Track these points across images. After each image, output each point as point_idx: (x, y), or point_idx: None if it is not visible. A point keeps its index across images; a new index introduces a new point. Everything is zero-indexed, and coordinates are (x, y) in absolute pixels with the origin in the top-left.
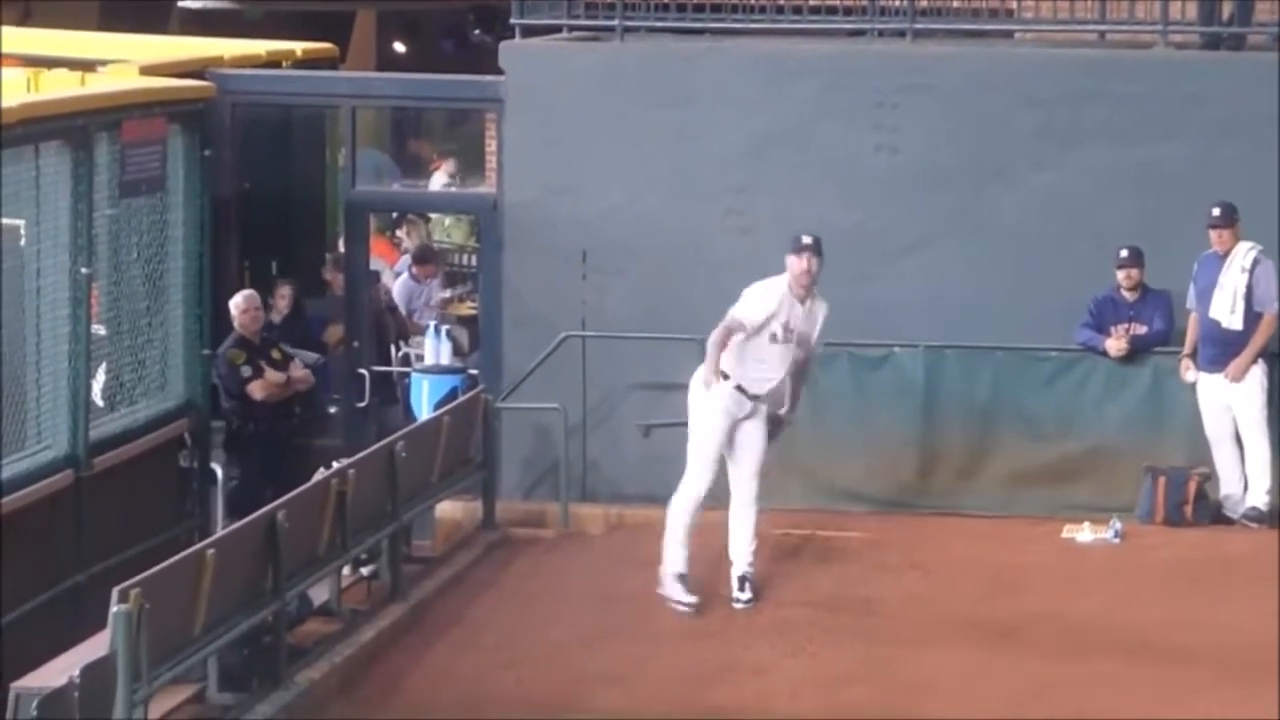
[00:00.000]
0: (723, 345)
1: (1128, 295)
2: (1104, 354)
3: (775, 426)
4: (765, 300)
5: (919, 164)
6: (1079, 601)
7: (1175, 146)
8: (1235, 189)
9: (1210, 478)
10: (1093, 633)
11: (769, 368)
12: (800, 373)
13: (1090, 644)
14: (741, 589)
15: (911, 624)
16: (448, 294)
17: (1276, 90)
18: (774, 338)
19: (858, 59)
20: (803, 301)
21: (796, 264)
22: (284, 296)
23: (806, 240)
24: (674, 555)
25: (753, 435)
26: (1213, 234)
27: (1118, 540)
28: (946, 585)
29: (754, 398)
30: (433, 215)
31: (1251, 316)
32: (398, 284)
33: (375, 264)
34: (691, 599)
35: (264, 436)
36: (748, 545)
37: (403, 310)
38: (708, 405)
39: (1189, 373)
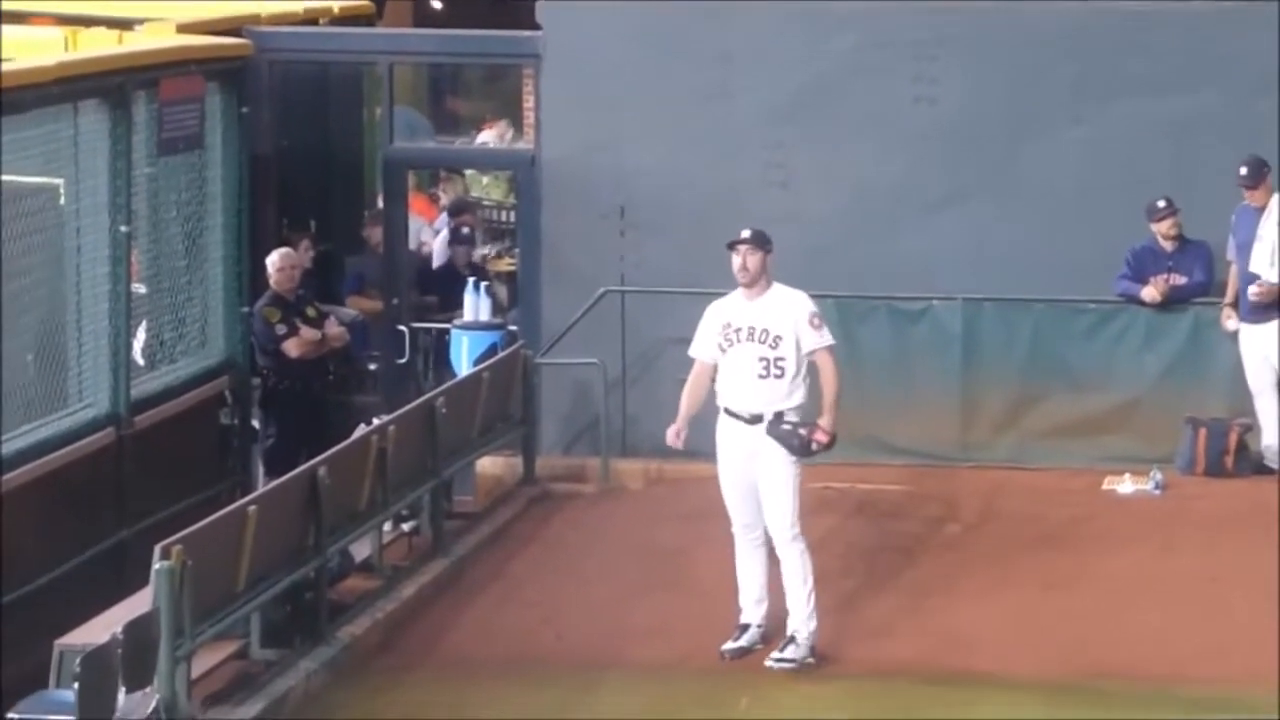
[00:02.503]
0: (691, 392)
1: (1166, 246)
2: (1142, 303)
3: (804, 445)
4: (706, 318)
5: (957, 117)
6: (1121, 553)
7: (1212, 98)
8: (1272, 140)
9: (1251, 429)
10: (1135, 584)
11: (741, 377)
12: (829, 384)
13: (1133, 596)
14: (782, 648)
15: (953, 577)
16: (488, 250)
17: None
18: (727, 344)
19: (895, 13)
20: (755, 299)
21: (732, 260)
22: (304, 249)
23: (743, 234)
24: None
25: (769, 470)
26: (1245, 193)
27: (1159, 492)
28: (987, 538)
29: (750, 420)
30: (470, 172)
31: None
32: (440, 237)
33: (413, 221)
34: (728, 646)
35: (299, 394)
36: (793, 598)
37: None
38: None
39: (1230, 321)
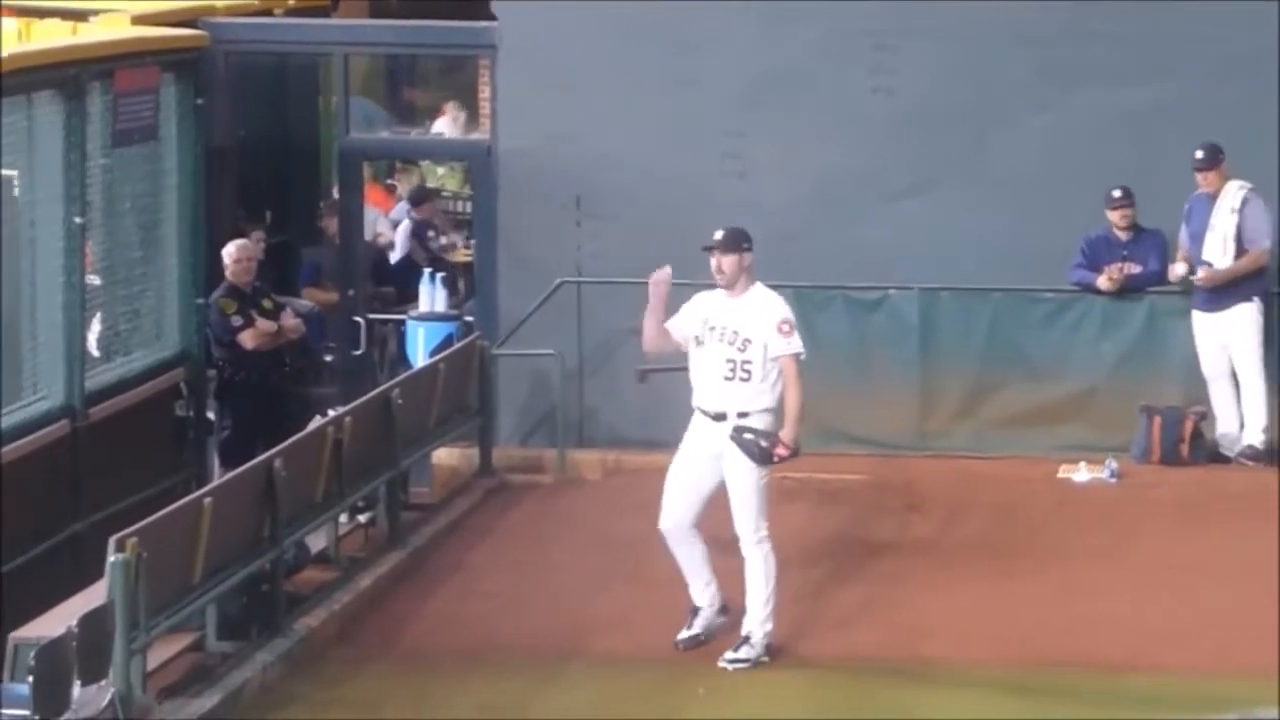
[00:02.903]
0: (654, 318)
1: (1121, 235)
2: (1098, 292)
3: (764, 455)
4: (692, 303)
5: (917, 107)
6: (1077, 541)
7: (1173, 87)
8: (1233, 129)
9: (1206, 417)
10: (1092, 572)
11: (709, 376)
12: (791, 394)
13: (1090, 584)
14: (736, 648)
15: (911, 566)
16: (444, 240)
17: (1275, 29)
18: (702, 340)
19: (855, 2)
20: (733, 299)
21: (710, 262)
22: (256, 240)
23: (716, 236)
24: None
25: (735, 472)
26: (1199, 176)
27: (1114, 480)
28: (945, 527)
29: (715, 417)
30: (426, 162)
31: (1242, 255)
32: (401, 228)
33: (369, 212)
34: (682, 635)
35: (255, 386)
36: (753, 599)
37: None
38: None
39: (1180, 267)
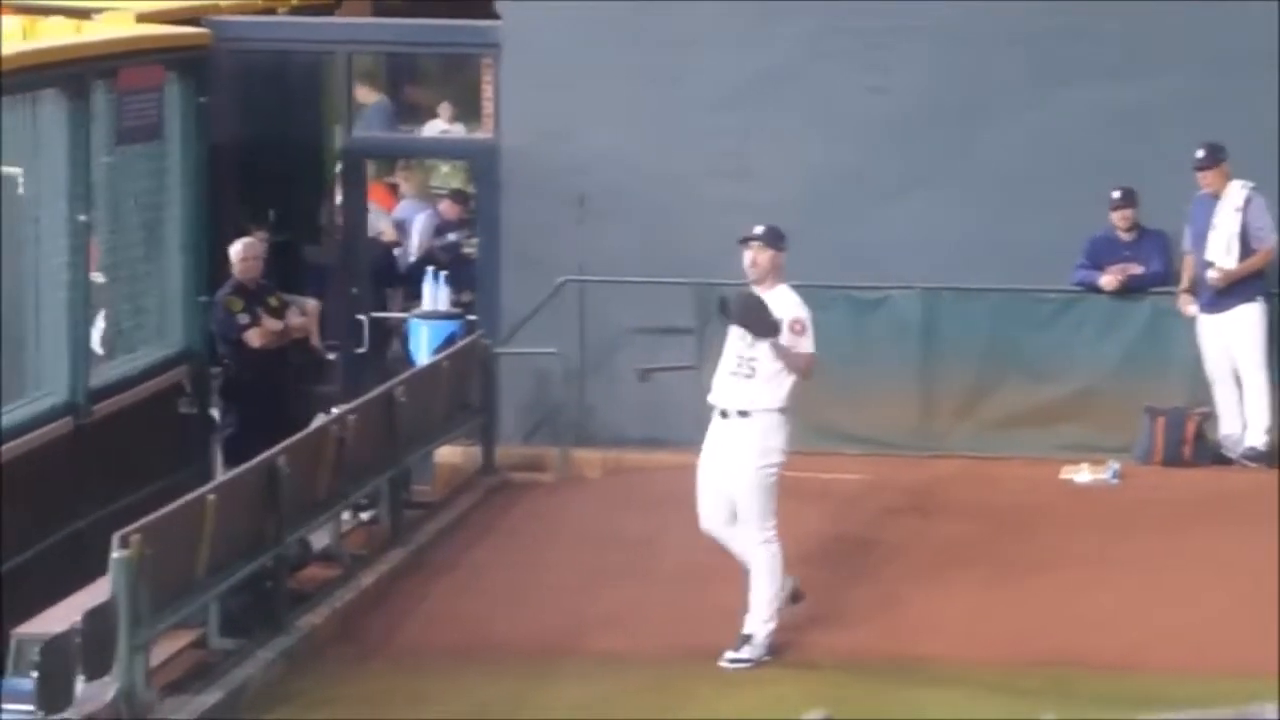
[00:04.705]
0: None
1: (1124, 236)
2: (1100, 292)
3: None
4: None
5: (911, 105)
6: (1078, 542)
7: (1168, 83)
8: (1229, 126)
9: (1209, 418)
10: (1093, 573)
11: (722, 370)
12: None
13: (1090, 584)
14: (738, 648)
15: (910, 565)
16: (452, 237)
17: (1273, 28)
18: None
19: (849, 0)
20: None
21: (744, 256)
22: (259, 239)
23: (755, 230)
24: None
25: (740, 472)
26: (1199, 176)
27: (1116, 481)
28: (946, 527)
29: (721, 413)
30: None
31: (1248, 255)
32: (422, 219)
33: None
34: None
35: (259, 384)
36: (756, 598)
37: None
38: None
39: (1190, 307)
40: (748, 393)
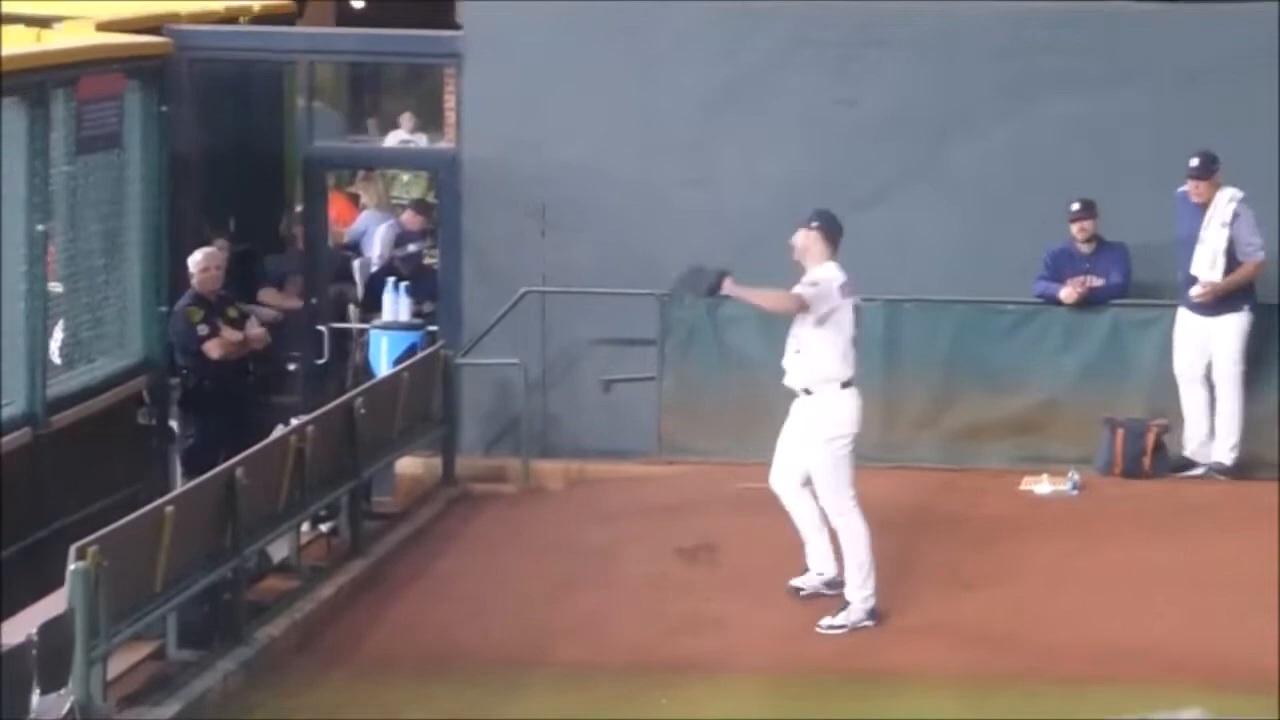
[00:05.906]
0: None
1: (1083, 248)
2: (1060, 304)
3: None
4: None
5: (879, 117)
6: (1038, 553)
7: (1136, 97)
8: (1200, 140)
9: (1169, 429)
10: (1053, 583)
11: (788, 346)
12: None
13: (1050, 595)
14: (834, 613)
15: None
16: (413, 248)
17: (1241, 38)
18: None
19: (818, 11)
20: None
21: None
22: (219, 248)
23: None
24: None
25: (808, 448)
26: (1191, 185)
27: (1076, 492)
28: (907, 538)
29: (801, 391)
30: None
31: (1234, 268)
32: (381, 239)
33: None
34: (792, 581)
35: (219, 395)
36: (848, 566)
37: (376, 257)
38: None
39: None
40: (803, 370)
